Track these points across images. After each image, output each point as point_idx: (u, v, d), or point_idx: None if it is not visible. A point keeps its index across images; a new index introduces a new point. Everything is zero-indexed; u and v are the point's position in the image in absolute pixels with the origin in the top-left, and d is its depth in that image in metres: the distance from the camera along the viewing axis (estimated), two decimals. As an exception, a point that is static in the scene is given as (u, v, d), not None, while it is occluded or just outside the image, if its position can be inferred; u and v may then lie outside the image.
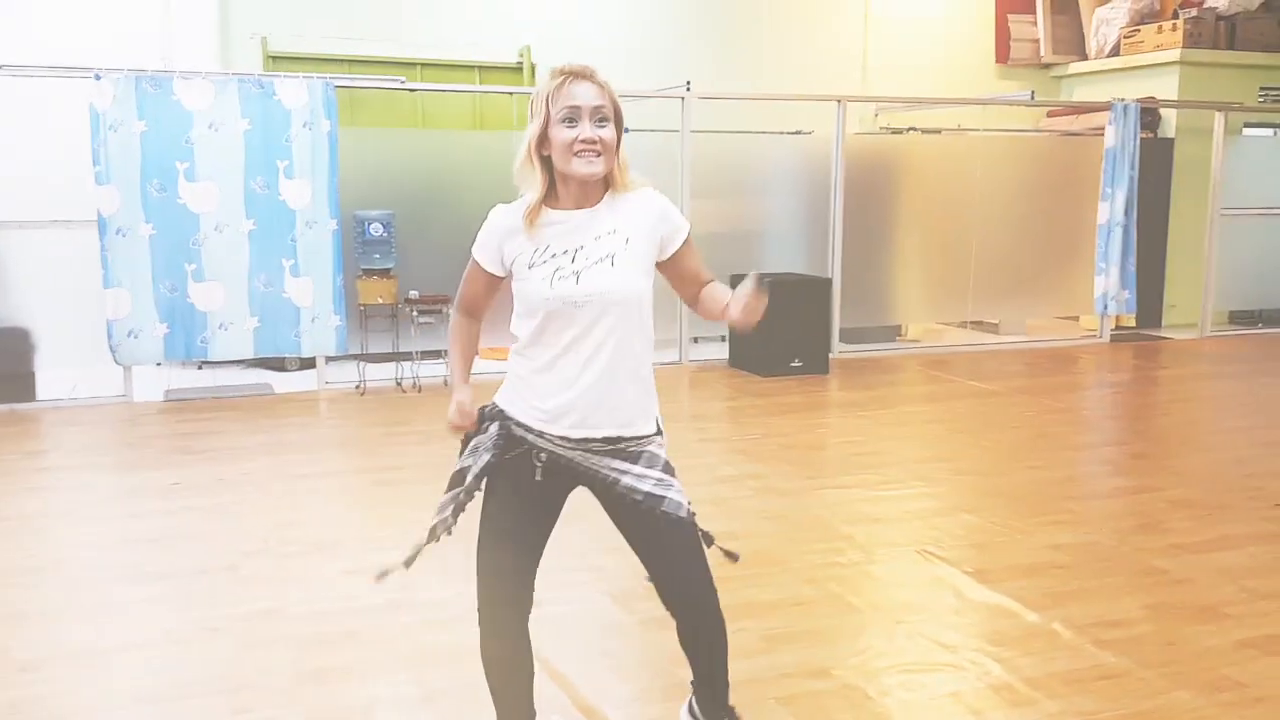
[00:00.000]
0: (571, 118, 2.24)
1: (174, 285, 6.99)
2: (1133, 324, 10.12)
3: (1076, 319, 10.27)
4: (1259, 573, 4.02)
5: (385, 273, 7.37)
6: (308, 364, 7.76)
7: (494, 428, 2.39)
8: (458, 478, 2.44)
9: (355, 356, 7.56)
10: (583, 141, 2.23)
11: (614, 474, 2.37)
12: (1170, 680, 3.15)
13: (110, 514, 4.83)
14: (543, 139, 2.27)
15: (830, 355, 8.44)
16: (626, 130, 2.37)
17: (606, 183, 2.33)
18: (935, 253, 9.37)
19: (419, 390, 7.41)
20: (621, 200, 2.36)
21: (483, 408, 2.43)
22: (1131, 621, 3.58)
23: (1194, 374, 8.41)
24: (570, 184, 2.30)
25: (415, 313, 7.40)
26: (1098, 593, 3.84)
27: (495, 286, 2.43)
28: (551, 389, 2.32)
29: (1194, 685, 3.12)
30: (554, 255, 2.30)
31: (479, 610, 2.44)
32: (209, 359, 7.34)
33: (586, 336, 2.30)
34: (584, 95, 2.24)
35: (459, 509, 2.44)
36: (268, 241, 7.13)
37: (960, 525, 4.60)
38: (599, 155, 2.25)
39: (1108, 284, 9.46)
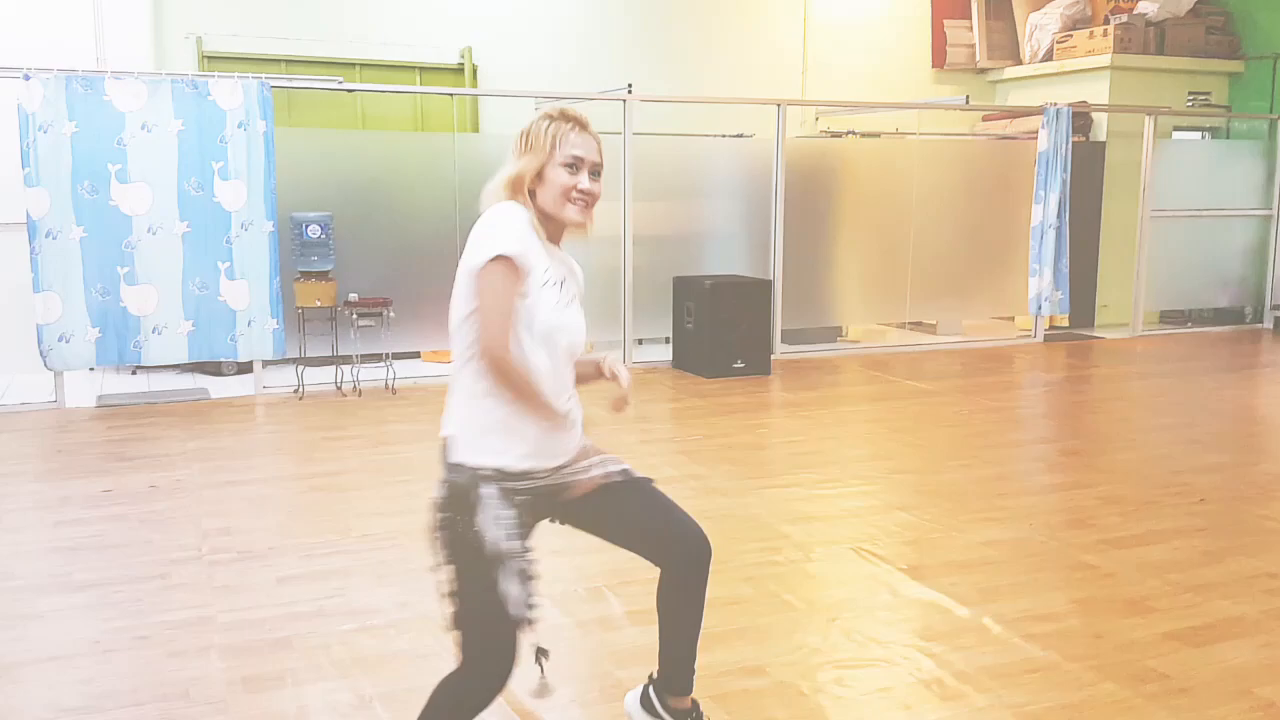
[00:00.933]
0: (574, 165, 2.32)
1: (106, 289, 6.87)
2: (1066, 324, 10.33)
3: (1012, 319, 10.46)
4: (1183, 566, 4.12)
5: (324, 275, 7.29)
6: (245, 369, 7.66)
7: (490, 490, 2.24)
8: (474, 556, 2.23)
9: (293, 360, 7.47)
10: (580, 191, 2.32)
11: (587, 474, 2.42)
12: (1097, 673, 3.22)
13: (38, 522, 4.73)
14: (536, 176, 2.32)
15: (772, 356, 8.50)
16: None
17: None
18: (874, 255, 9.48)
19: (359, 394, 7.35)
20: (562, 250, 2.45)
21: (455, 480, 2.27)
22: (1060, 615, 3.66)
23: (1125, 373, 8.59)
24: (549, 224, 2.35)
25: (355, 315, 7.33)
26: (1027, 587, 3.91)
27: None
28: (537, 425, 2.30)
29: (1120, 677, 3.19)
30: (552, 281, 2.32)
31: (491, 665, 2.26)
32: (142, 364, 7.22)
33: (562, 368, 2.37)
34: (589, 147, 2.35)
35: (528, 578, 2.26)
36: (202, 244, 7.02)
37: (896, 523, 4.66)
38: (588, 207, 2.35)
39: (1041, 285, 9.64)
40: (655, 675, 2.70)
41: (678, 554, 2.51)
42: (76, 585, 3.92)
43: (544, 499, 2.37)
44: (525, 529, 2.30)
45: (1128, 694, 3.09)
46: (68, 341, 6.83)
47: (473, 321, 2.23)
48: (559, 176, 2.31)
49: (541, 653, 2.36)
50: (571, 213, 2.33)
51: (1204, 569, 4.10)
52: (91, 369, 7.40)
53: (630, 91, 8.32)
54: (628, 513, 2.50)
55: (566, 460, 2.39)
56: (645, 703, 2.71)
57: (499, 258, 2.19)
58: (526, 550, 2.28)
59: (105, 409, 6.96)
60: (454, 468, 2.27)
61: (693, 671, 2.65)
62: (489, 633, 2.23)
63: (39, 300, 6.72)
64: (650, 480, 2.53)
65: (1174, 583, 3.95)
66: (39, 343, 6.78)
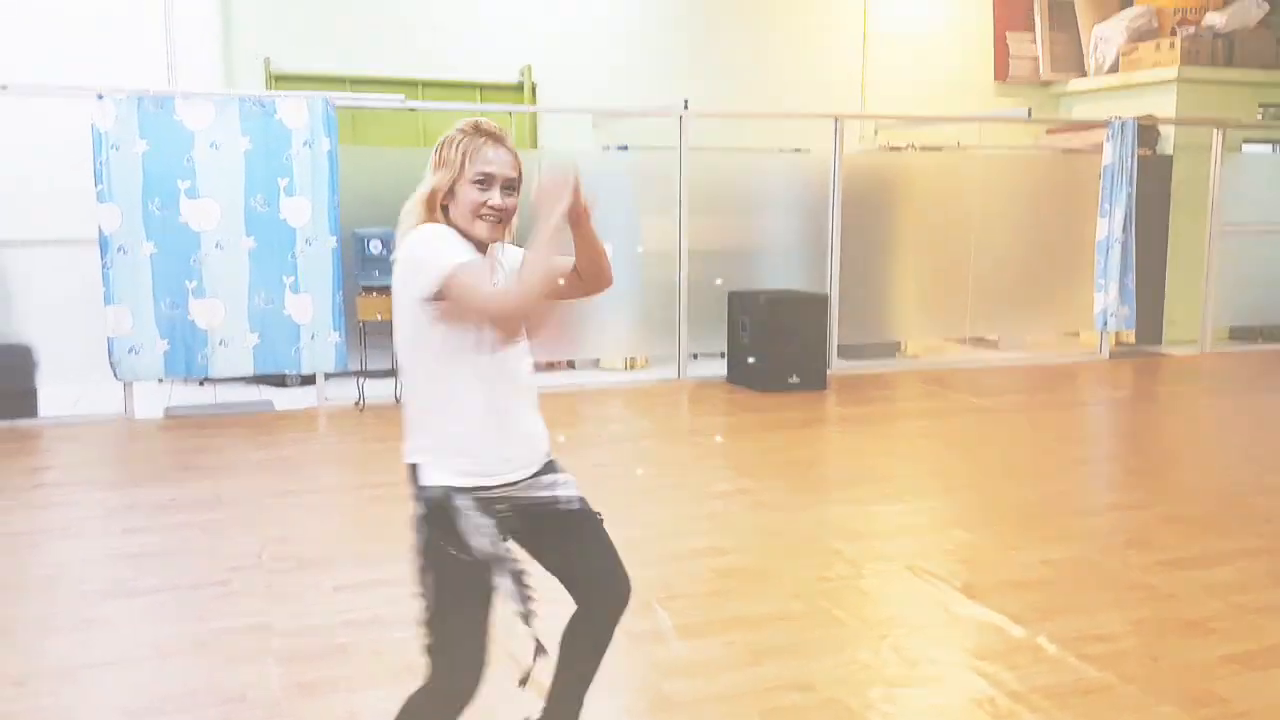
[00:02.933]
0: (485, 181, 2.26)
1: (174, 302, 7.05)
2: (1133, 340, 10.13)
3: (1077, 335, 10.28)
4: (1246, 588, 4.02)
5: (385, 289, 7.41)
6: (308, 380, 7.81)
7: (465, 500, 2.25)
8: (463, 571, 2.25)
9: (355, 373, 7.60)
10: (490, 207, 2.26)
11: (549, 492, 2.39)
12: (1153, 695, 3.16)
13: (104, 530, 4.87)
14: (448, 191, 2.28)
15: (828, 371, 8.46)
16: (624, 148, 2.39)
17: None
18: (935, 269, 9.40)
19: (417, 407, 7.44)
20: (502, 248, 2.39)
21: (429, 497, 2.28)
22: (1117, 636, 3.59)
23: (1192, 390, 8.41)
24: (467, 239, 2.28)
25: (414, 330, 7.42)
26: (1084, 608, 3.85)
27: None
28: (494, 436, 2.28)
29: (1177, 700, 3.13)
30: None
31: (459, 683, 2.30)
32: (209, 376, 7.39)
33: (507, 374, 2.31)
34: (500, 163, 2.27)
35: (525, 590, 2.28)
36: (268, 259, 7.18)
37: (951, 541, 4.61)
38: (500, 222, 2.29)
39: (1107, 300, 9.47)
40: (537, 718, 2.58)
41: (595, 599, 2.44)
42: (139, 591, 4.02)
43: (518, 512, 2.33)
44: (504, 536, 2.30)
45: (1185, 717, 3.02)
46: (137, 353, 7.02)
47: (443, 329, 2.20)
48: (469, 194, 2.25)
49: (541, 649, 2.35)
50: (481, 229, 2.26)
51: (1268, 591, 4.00)
52: (160, 380, 7.59)
53: (686, 107, 8.35)
54: (566, 544, 2.43)
55: (529, 473, 2.35)
56: None
57: (457, 267, 2.14)
58: (510, 552, 2.29)
59: (173, 419, 7.14)
60: (423, 489, 2.28)
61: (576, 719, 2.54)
62: (459, 649, 2.26)
63: (110, 313, 6.92)
64: (599, 517, 2.45)
65: (1236, 604, 3.85)
66: (109, 354, 6.98)
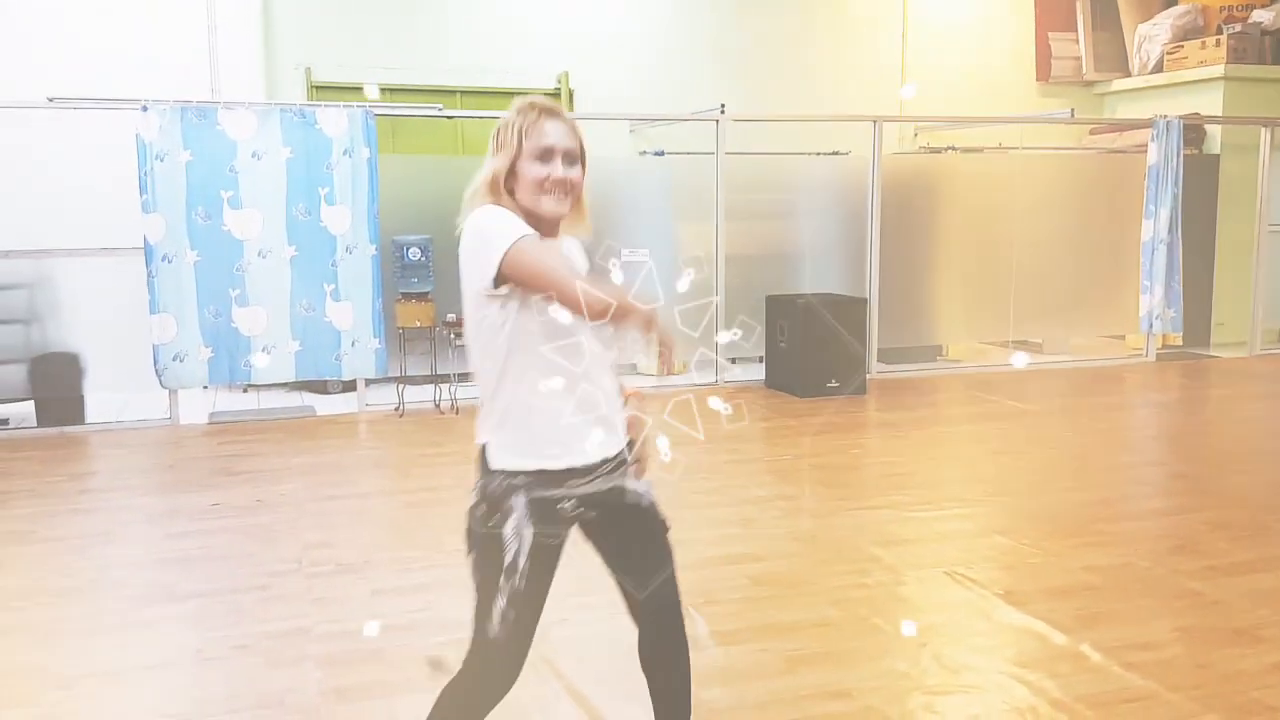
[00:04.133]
0: (544, 155, 2.21)
1: (218, 310, 7.14)
2: (1180, 343, 9.96)
3: (1122, 338, 10.13)
4: (1297, 595, 3.94)
5: (423, 296, 7.46)
6: (349, 387, 7.87)
7: (520, 500, 2.21)
8: (493, 553, 2.22)
9: (394, 379, 7.66)
10: (553, 180, 2.21)
11: (619, 483, 2.33)
12: (1199, 703, 3.10)
13: (148, 535, 4.94)
14: (510, 173, 2.23)
15: (868, 376, 8.39)
16: (660, 154, 2.36)
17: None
18: (976, 272, 9.30)
19: (456, 412, 7.48)
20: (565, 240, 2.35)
21: (487, 485, 2.24)
22: (1162, 644, 3.52)
23: (1241, 394, 8.25)
24: (533, 219, 2.23)
25: (452, 335, 7.48)
26: (1129, 615, 3.78)
27: None
28: (558, 421, 2.23)
29: (1223, 709, 3.06)
30: None
31: (497, 662, 2.29)
32: (252, 382, 7.48)
33: (578, 358, 2.23)
34: (558, 134, 2.22)
35: (525, 600, 2.25)
36: (309, 267, 7.26)
37: (992, 547, 4.55)
38: (566, 195, 2.24)
39: (1153, 302, 9.32)
40: None
41: (646, 597, 2.38)
42: (181, 595, 4.07)
43: (582, 499, 2.26)
44: (551, 545, 2.24)
45: (1233, 728, 2.96)
46: (182, 361, 7.11)
47: (518, 304, 2.16)
48: (530, 170, 2.20)
49: (436, 663, 2.30)
50: (547, 204, 2.21)
51: (1320, 599, 3.91)
52: (204, 387, 7.69)
53: (723, 111, 8.33)
54: (627, 537, 2.39)
55: (598, 460, 2.27)
56: None
57: (518, 240, 2.11)
58: (534, 571, 2.22)
59: (216, 425, 7.23)
60: (488, 474, 2.24)
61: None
62: (498, 641, 2.22)
63: (155, 321, 7.02)
64: (665, 527, 2.40)
65: (1287, 613, 3.77)
66: (155, 362, 7.08)
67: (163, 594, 4.10)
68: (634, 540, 2.39)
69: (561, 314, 2.10)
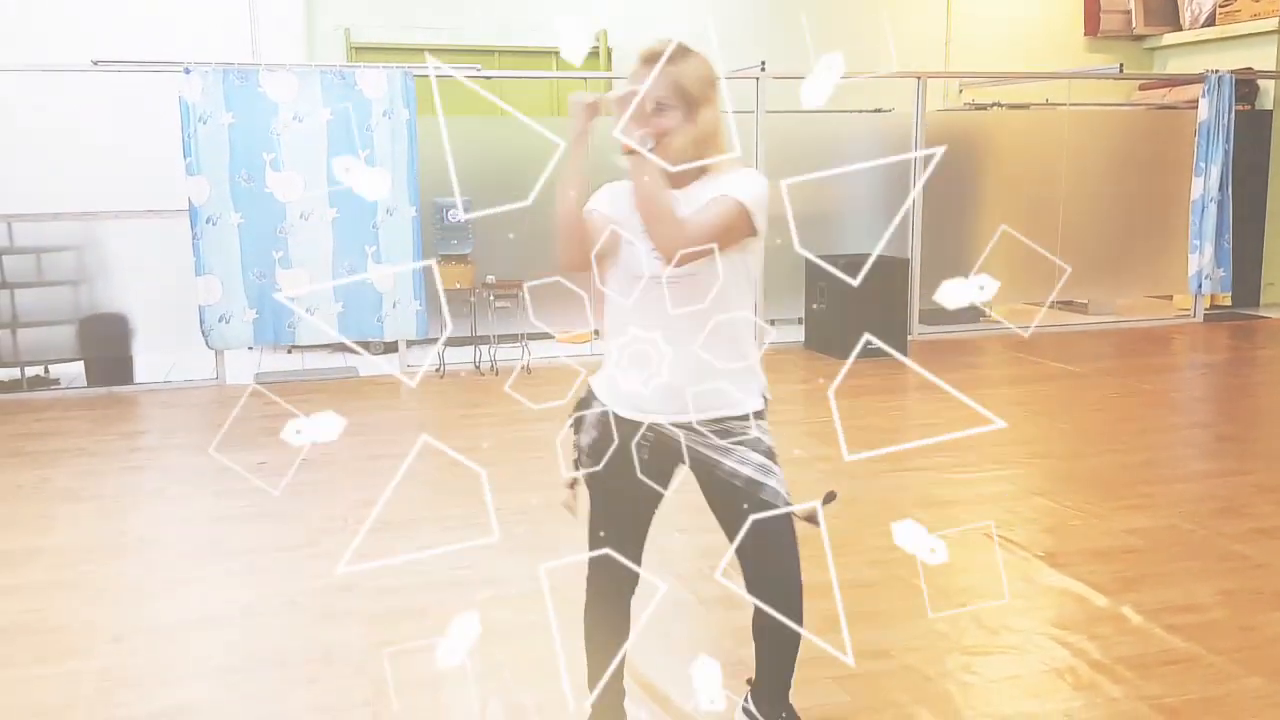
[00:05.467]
0: (654, 106, 2.33)
1: (262, 272, 7.22)
2: (1229, 303, 9.79)
3: (1170, 298, 9.97)
4: (1345, 559, 3.89)
5: (463, 258, 7.49)
6: (390, 347, 7.95)
7: (594, 412, 2.42)
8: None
9: (435, 340, 7.71)
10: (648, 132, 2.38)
11: (713, 454, 2.36)
12: (1242, 666, 3.08)
13: (197, 492, 5.03)
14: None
15: (909, 337, 8.33)
16: None
17: None
18: (1021, 231, 9.16)
19: (495, 373, 7.53)
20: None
21: (580, 394, 2.47)
22: (1205, 606, 3.50)
23: (1292, 354, 8.11)
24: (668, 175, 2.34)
25: (492, 297, 7.51)
26: (1171, 577, 3.76)
27: None
28: (624, 370, 2.39)
29: (1268, 672, 3.04)
30: None
31: (588, 587, 2.54)
32: (296, 343, 7.56)
33: (655, 314, 2.30)
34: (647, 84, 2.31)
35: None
36: (350, 229, 7.31)
37: (1033, 509, 4.53)
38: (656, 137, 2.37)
39: (1202, 262, 9.16)
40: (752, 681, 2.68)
41: (749, 578, 2.46)
42: (230, 552, 4.16)
43: (658, 450, 2.36)
44: (610, 476, 2.36)
45: (1275, 689, 2.94)
46: (227, 322, 7.21)
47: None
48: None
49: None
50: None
51: (1369, 562, 3.86)
52: (250, 348, 7.79)
53: (763, 69, 8.24)
54: (723, 513, 2.44)
55: (663, 419, 2.32)
56: (746, 711, 2.68)
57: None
58: (597, 492, 2.44)
59: (262, 385, 7.33)
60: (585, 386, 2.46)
61: (787, 694, 2.60)
62: (594, 544, 2.43)
63: (200, 283, 7.12)
64: (749, 510, 2.29)
65: (1334, 576, 3.73)
66: (201, 323, 7.18)
67: (212, 551, 4.19)
68: (718, 511, 2.46)
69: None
